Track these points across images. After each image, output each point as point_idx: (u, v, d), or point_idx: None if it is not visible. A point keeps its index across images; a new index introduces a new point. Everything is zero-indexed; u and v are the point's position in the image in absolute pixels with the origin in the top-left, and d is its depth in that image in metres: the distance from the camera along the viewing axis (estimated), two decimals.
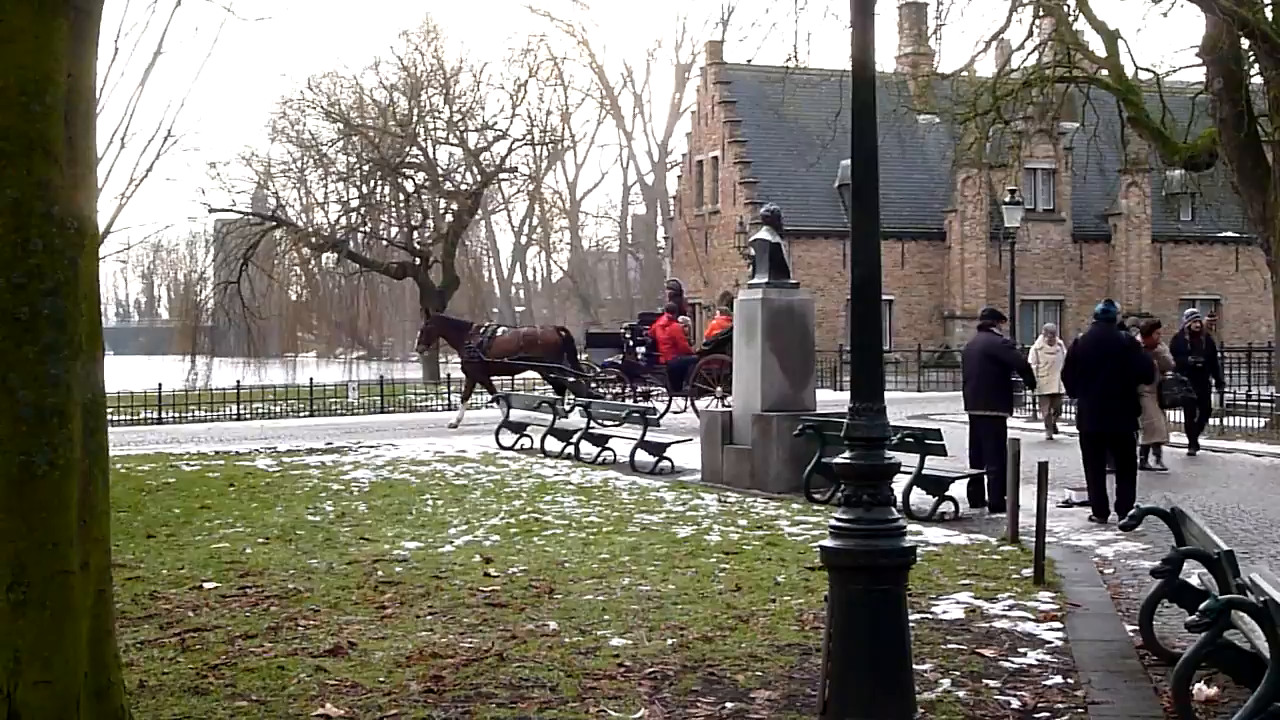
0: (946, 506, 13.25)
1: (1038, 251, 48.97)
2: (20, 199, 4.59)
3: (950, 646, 7.73)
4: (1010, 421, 14.85)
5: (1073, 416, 16.80)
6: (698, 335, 34.72)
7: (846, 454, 5.82)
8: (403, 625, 8.26)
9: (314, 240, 50.41)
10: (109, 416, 5.60)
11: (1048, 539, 10.06)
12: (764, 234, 16.55)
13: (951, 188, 48.05)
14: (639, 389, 26.54)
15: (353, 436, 24.21)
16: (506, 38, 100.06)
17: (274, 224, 48.63)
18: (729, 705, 6.54)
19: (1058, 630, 8.17)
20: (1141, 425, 16.38)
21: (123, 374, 36.57)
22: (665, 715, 6.38)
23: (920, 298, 49.16)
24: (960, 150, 34.96)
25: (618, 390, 27.15)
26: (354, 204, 52.52)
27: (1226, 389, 22.44)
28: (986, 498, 13.76)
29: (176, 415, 31.28)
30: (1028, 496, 10.81)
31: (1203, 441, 19.28)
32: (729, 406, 21.37)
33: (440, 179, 52.18)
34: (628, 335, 27.34)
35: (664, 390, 26.14)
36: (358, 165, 52.11)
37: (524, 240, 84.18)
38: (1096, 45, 25.78)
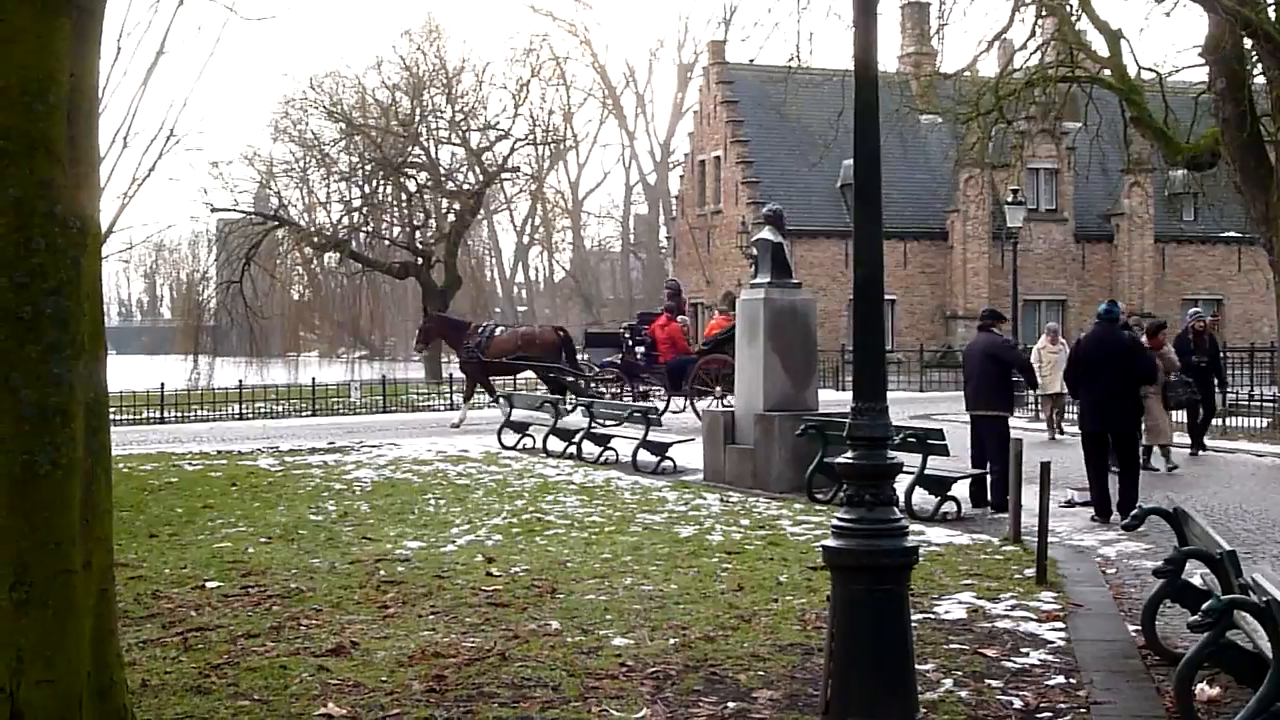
0: (949, 506, 13.25)
1: (1040, 251, 48.94)
2: (23, 198, 4.59)
3: (952, 646, 7.73)
4: (1012, 421, 14.86)
5: (1075, 417, 16.78)
6: (697, 335, 34.72)
7: (849, 454, 5.82)
8: (405, 625, 8.26)
9: (316, 240, 50.43)
10: (111, 416, 5.61)
11: (1050, 539, 10.06)
12: (766, 234, 16.56)
13: (954, 188, 48.03)
14: (638, 389, 26.55)
15: (355, 436, 24.21)
16: (509, 37, 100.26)
17: (276, 223, 48.65)
18: (731, 705, 6.54)
19: (1060, 630, 8.17)
20: (1146, 426, 16.38)
21: (125, 373, 36.64)
22: (667, 715, 6.38)
23: (922, 298, 49.15)
24: (963, 150, 34.93)
25: (616, 390, 27.15)
26: (356, 204, 52.55)
27: (1229, 389, 22.42)
28: (989, 497, 13.76)
29: (179, 415, 31.29)
30: (1030, 496, 10.81)
31: (1205, 441, 19.26)
32: (728, 406, 21.40)
33: (442, 179, 52.19)
34: (627, 335, 27.34)
35: (662, 390, 26.16)
36: (360, 165, 52.15)
37: (526, 240, 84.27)
38: (1099, 45, 25.77)
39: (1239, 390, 25.55)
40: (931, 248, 49.02)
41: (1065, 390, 17.31)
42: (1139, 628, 7.93)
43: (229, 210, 49.95)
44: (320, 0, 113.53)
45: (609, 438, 18.81)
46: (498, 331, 27.69)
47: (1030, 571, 9.80)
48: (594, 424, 19.15)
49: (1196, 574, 7.78)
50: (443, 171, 52.67)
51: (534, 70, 56.49)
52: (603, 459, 18.48)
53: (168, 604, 8.96)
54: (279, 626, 8.20)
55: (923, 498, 13.27)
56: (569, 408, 20.86)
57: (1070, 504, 13.79)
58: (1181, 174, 41.59)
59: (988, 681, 7.00)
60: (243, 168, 55.03)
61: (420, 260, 49.79)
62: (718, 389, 24.37)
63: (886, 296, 6.19)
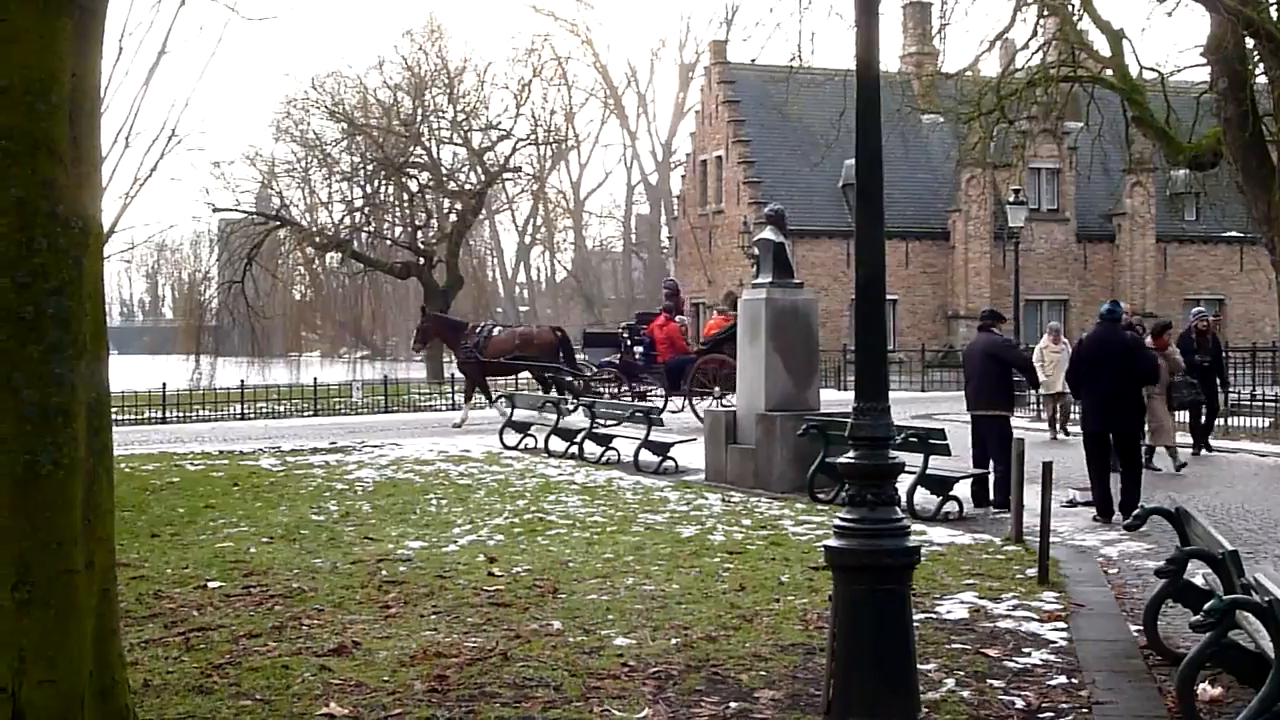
0: (951, 506, 13.24)
1: (1042, 251, 48.92)
2: (25, 198, 4.59)
3: (954, 646, 7.72)
4: (1014, 421, 14.87)
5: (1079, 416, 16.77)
6: (697, 335, 34.72)
7: (851, 454, 5.82)
8: (407, 625, 8.26)
9: (318, 240, 50.47)
10: (113, 416, 5.60)
11: (1052, 539, 10.06)
12: (768, 234, 16.56)
13: (955, 187, 48.02)
14: (636, 389, 26.57)
15: (356, 436, 24.22)
16: (511, 37, 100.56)
17: (278, 223, 48.67)
18: (733, 705, 6.54)
19: (1062, 630, 8.16)
20: (1150, 427, 16.38)
21: (127, 373, 36.66)
22: (669, 715, 6.38)
23: (924, 297, 49.14)
24: (964, 150, 34.89)
25: (615, 390, 27.16)
26: (358, 204, 52.59)
27: (1231, 389, 22.41)
28: (991, 497, 13.76)
29: (181, 415, 31.31)
30: (1032, 496, 10.81)
31: (1210, 442, 19.24)
32: (726, 406, 21.41)
33: (444, 179, 52.22)
34: (625, 335, 27.35)
35: (660, 389, 26.18)
36: (362, 165, 52.18)
37: (528, 240, 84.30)
38: (1101, 45, 25.76)
39: (1240, 390, 25.54)
40: (933, 247, 49.01)
41: (1067, 390, 17.32)
42: (1141, 628, 7.92)
43: (231, 210, 49.99)
44: (322, 0, 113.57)
45: (611, 438, 18.81)
46: (496, 331, 27.69)
47: (1032, 571, 9.79)
48: (596, 424, 19.15)
49: (1198, 574, 7.77)
50: (444, 171, 52.69)
51: (536, 70, 56.60)
52: (604, 459, 18.48)
53: (170, 604, 8.96)
54: (281, 626, 8.21)
55: (925, 497, 13.27)
56: (570, 408, 20.88)
57: (1072, 504, 13.78)
58: (1183, 174, 41.55)
59: (990, 681, 7.00)
60: (244, 168, 55.23)
61: (422, 260, 49.80)
62: (716, 389, 24.39)
63: (888, 296, 6.21)
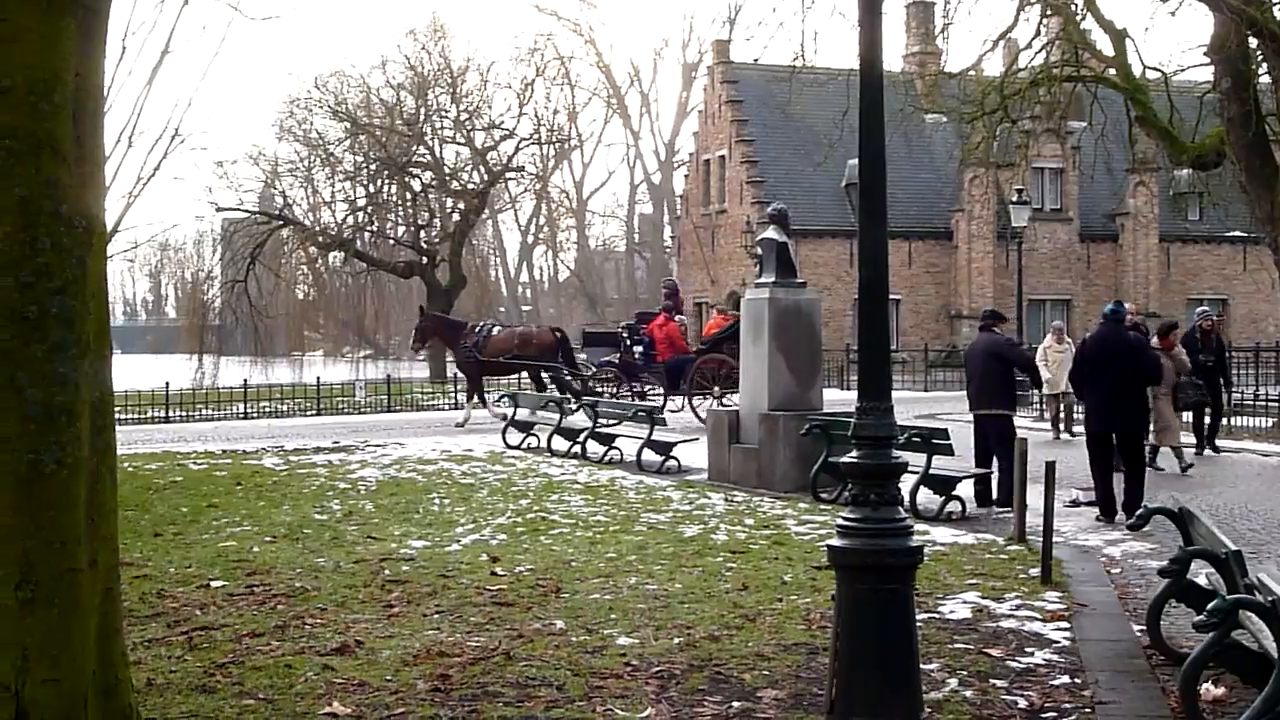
0: (953, 506, 13.24)
1: (1045, 251, 48.90)
2: (28, 197, 4.59)
3: (957, 646, 7.72)
4: (1017, 421, 14.87)
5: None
6: (699, 334, 34.72)
7: (854, 453, 5.82)
8: (410, 624, 8.27)
9: (321, 239, 50.46)
10: (116, 415, 5.61)
11: (1055, 539, 10.06)
12: (771, 233, 16.55)
13: (959, 187, 47.99)
14: (636, 388, 26.59)
15: (359, 435, 24.23)
16: (513, 37, 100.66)
17: (281, 223, 48.68)
18: (736, 704, 6.54)
19: (1065, 630, 8.16)
20: (1156, 427, 16.39)
21: (130, 373, 36.68)
22: (672, 714, 6.38)
23: (927, 297, 49.13)
24: (967, 150, 34.83)
25: (614, 390, 27.18)
26: (361, 203, 52.57)
27: (1234, 389, 22.40)
28: (994, 496, 13.77)
29: (184, 414, 31.32)
30: (1035, 496, 10.80)
31: (1217, 442, 19.22)
32: (725, 405, 21.42)
33: (447, 178, 52.22)
34: (625, 334, 27.36)
35: (659, 389, 26.20)
36: (365, 164, 52.17)
37: (531, 239, 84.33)
38: (1104, 44, 25.75)
39: (1244, 390, 25.53)
40: (936, 247, 49.00)
41: (1071, 390, 17.31)
42: (1144, 627, 7.92)
43: (234, 210, 49.99)
44: (325, 0, 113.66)
45: (614, 437, 18.81)
46: (495, 331, 27.70)
47: (1035, 571, 9.79)
48: (599, 423, 19.15)
49: (1202, 574, 7.77)
50: (447, 171, 52.69)
51: (539, 70, 56.59)
52: (607, 458, 18.49)
53: (173, 603, 8.97)
54: (284, 625, 8.21)
55: (927, 497, 13.26)
56: (572, 407, 20.89)
57: (1075, 504, 13.78)
58: (1186, 173, 41.48)
59: (992, 681, 6.99)
60: (248, 167, 55.13)
61: (425, 260, 49.81)
62: (716, 389, 24.41)
63: (891, 296, 6.21)
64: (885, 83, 5.98)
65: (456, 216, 51.75)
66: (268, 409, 32.79)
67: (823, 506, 13.56)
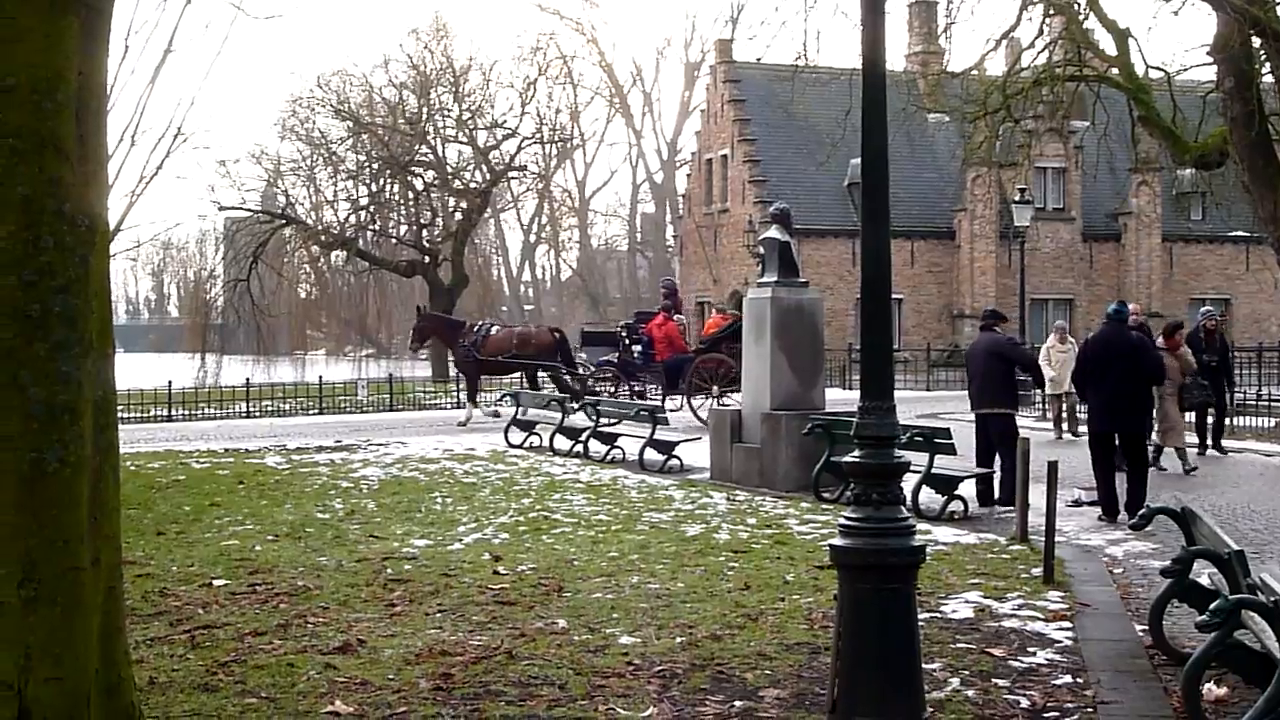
0: (956, 505, 13.24)
1: (1047, 250, 48.89)
2: (31, 196, 4.60)
3: (959, 646, 7.72)
4: (1020, 421, 14.88)
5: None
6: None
7: (856, 453, 5.82)
8: (412, 623, 8.27)
9: (323, 238, 50.45)
10: (119, 414, 5.61)
11: (1057, 538, 10.05)
12: (773, 232, 16.55)
13: (961, 186, 47.98)
14: (634, 387, 26.61)
15: (362, 434, 24.23)
16: (516, 36, 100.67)
17: (283, 222, 48.68)
18: (738, 704, 6.54)
19: (1067, 630, 8.16)
20: (1162, 428, 16.38)
21: (133, 371, 36.63)
22: (674, 713, 6.38)
23: (929, 296, 49.11)
24: (970, 149, 34.88)
25: (613, 389, 27.20)
26: (363, 202, 52.56)
27: (1237, 388, 22.39)
28: (996, 496, 13.77)
29: (186, 413, 31.33)
30: (1037, 495, 10.80)
31: (1223, 443, 19.20)
32: (724, 405, 21.44)
33: (449, 177, 52.21)
34: (623, 334, 27.38)
35: (658, 388, 26.22)
36: (367, 163, 52.15)
37: (533, 238, 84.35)
38: (1107, 44, 25.71)
39: (1246, 390, 25.52)
40: (939, 247, 48.98)
41: (1074, 390, 17.29)
42: (1146, 627, 7.92)
43: (236, 208, 49.98)
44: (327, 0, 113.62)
45: (616, 436, 18.81)
46: (494, 330, 27.71)
47: (1037, 571, 9.78)
48: (601, 423, 19.16)
49: (1204, 574, 7.77)
50: (450, 170, 52.69)
51: (541, 69, 56.63)
52: (609, 457, 18.49)
53: (175, 602, 8.98)
54: (286, 624, 8.21)
55: (930, 497, 13.26)
56: (573, 407, 20.91)
57: (1078, 503, 13.78)
58: (1189, 173, 41.47)
59: (995, 681, 6.99)
60: (250, 166, 55.05)
61: (427, 259, 49.81)
62: (715, 388, 24.44)
63: (894, 295, 6.20)
64: (888, 82, 5.99)
65: (459, 215, 51.73)
66: (270, 408, 32.80)
67: (825, 506, 13.56)
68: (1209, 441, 19.08)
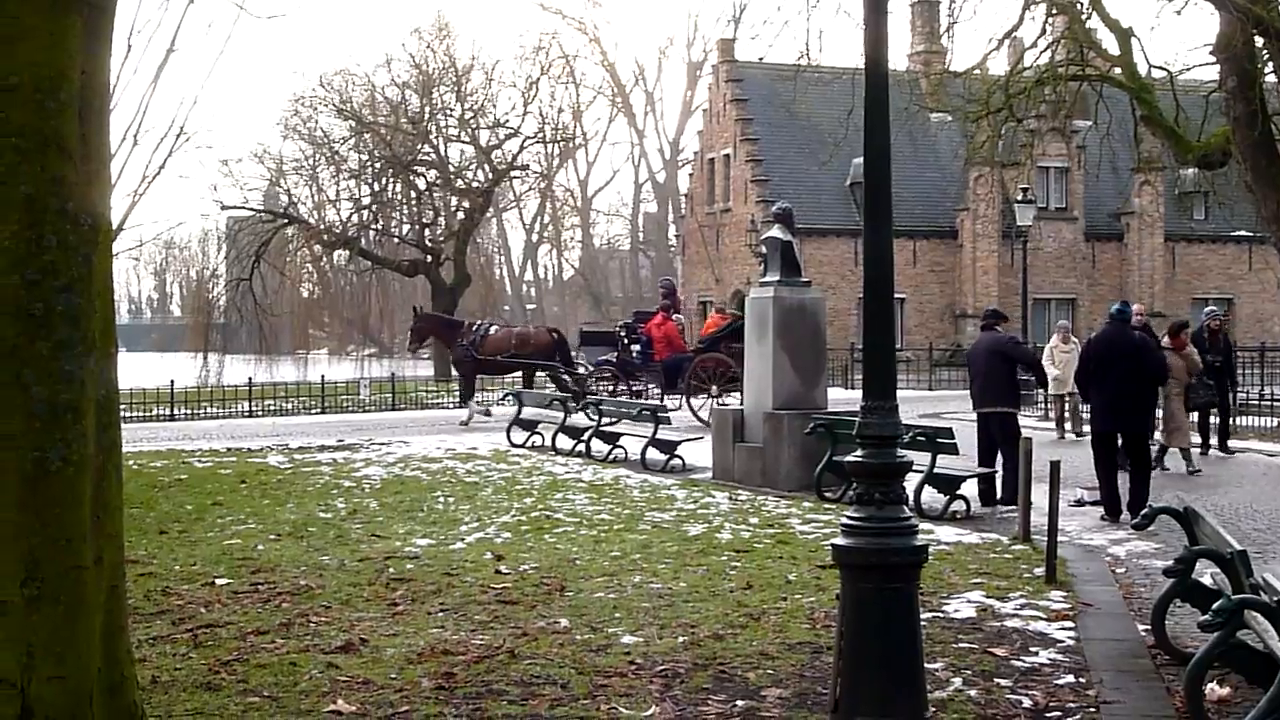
0: (958, 505, 13.23)
1: (1050, 250, 48.86)
2: (34, 195, 4.60)
3: (962, 645, 7.72)
4: (1022, 420, 14.88)
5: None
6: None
7: (859, 452, 5.82)
8: (414, 622, 8.27)
9: (326, 237, 50.46)
10: (122, 413, 5.61)
11: (1059, 538, 10.05)
12: (776, 232, 16.55)
13: (964, 186, 47.96)
14: (633, 387, 26.64)
15: (364, 433, 24.24)
16: (518, 35, 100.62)
17: (286, 221, 48.71)
18: (740, 703, 6.54)
19: (1069, 629, 8.16)
20: (1167, 428, 16.37)
21: (135, 371, 36.67)
22: (676, 713, 6.38)
23: (932, 296, 49.09)
24: (972, 148, 34.82)
25: (611, 389, 27.22)
26: (366, 201, 52.58)
27: (1240, 388, 22.37)
28: (999, 495, 13.77)
29: (189, 412, 31.34)
30: (1040, 495, 10.80)
31: (1214, 440, 19.19)
32: (723, 405, 21.45)
33: (452, 176, 52.21)
34: (622, 333, 27.41)
35: (656, 388, 26.25)
36: (369, 163, 52.17)
37: (535, 238, 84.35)
38: (1110, 43, 25.68)
39: (1249, 390, 25.50)
40: (941, 246, 48.96)
41: (1077, 389, 17.28)
42: (1149, 627, 7.91)
43: (239, 208, 50.04)
44: None
45: (618, 436, 18.81)
46: (492, 330, 27.73)
47: (1040, 571, 9.78)
48: (603, 422, 19.16)
49: (1207, 573, 7.77)
50: (452, 169, 52.69)
51: (543, 68, 56.59)
52: (611, 457, 18.49)
53: (178, 601, 8.98)
54: (288, 623, 8.22)
55: (932, 496, 13.26)
56: (573, 406, 20.92)
57: (1080, 503, 13.77)
58: (1192, 173, 41.47)
59: (997, 680, 6.99)
60: (253, 165, 55.24)
61: (429, 258, 49.82)
62: (714, 388, 24.46)
63: (896, 295, 6.20)
64: (890, 81, 5.99)
65: (461, 215, 51.73)
66: (272, 407, 32.80)
67: (827, 505, 13.56)
68: (1211, 441, 19.06)
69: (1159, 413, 15.56)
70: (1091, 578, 9.88)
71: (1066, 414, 21.93)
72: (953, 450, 13.24)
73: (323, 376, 37.44)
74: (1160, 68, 25.49)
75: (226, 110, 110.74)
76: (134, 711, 5.08)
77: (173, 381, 32.45)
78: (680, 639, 7.79)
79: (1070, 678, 7.07)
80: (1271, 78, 22.73)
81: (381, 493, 14.98)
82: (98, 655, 4.80)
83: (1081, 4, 25.17)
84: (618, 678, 6.94)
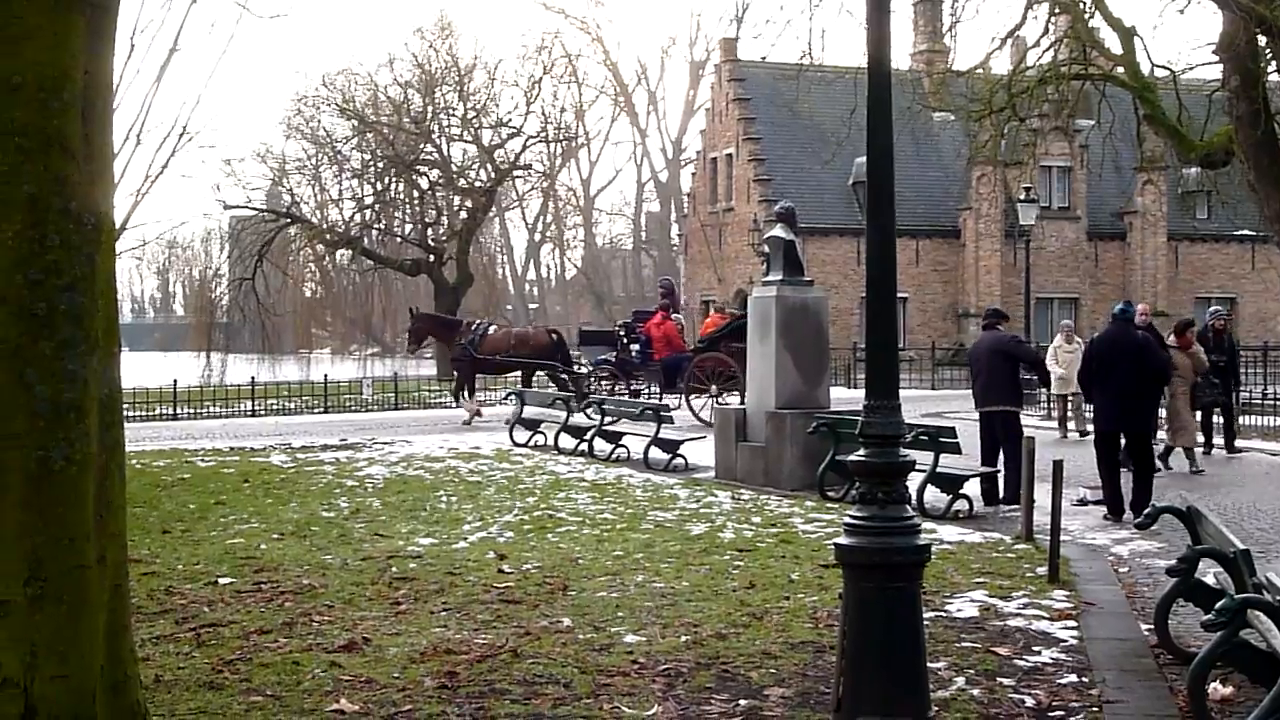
0: (961, 504, 13.23)
1: (1053, 249, 48.85)
2: (38, 195, 4.60)
3: (964, 645, 7.72)
4: (1025, 420, 14.87)
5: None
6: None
7: (861, 451, 5.81)
8: (417, 621, 8.28)
9: (328, 237, 50.51)
10: (125, 412, 5.61)
11: (1062, 537, 10.04)
12: (778, 231, 16.54)
13: (966, 185, 47.93)
14: (632, 386, 26.65)
15: (367, 433, 24.25)
16: (521, 35, 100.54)
17: (289, 220, 48.74)
18: (743, 702, 6.54)
19: (1072, 629, 8.15)
20: (1172, 427, 16.35)
21: (138, 370, 36.70)
22: (679, 712, 6.38)
23: (935, 295, 49.08)
24: (975, 148, 34.81)
25: (610, 387, 27.23)
26: (368, 201, 52.61)
27: (1242, 388, 22.36)
28: (1001, 495, 13.76)
29: (192, 411, 31.35)
30: (1042, 494, 10.79)
31: (1217, 440, 19.17)
32: (723, 404, 21.45)
33: (454, 176, 52.23)
34: (621, 333, 27.43)
35: (655, 387, 26.26)
36: (372, 162, 52.20)
37: (538, 237, 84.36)
38: (1112, 42, 25.65)
39: (1252, 389, 25.49)
40: (944, 245, 48.95)
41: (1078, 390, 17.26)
42: (1152, 627, 7.91)
43: (242, 207, 50.08)
44: None
45: (620, 435, 18.82)
46: (491, 330, 27.74)
47: (1042, 570, 9.78)
48: (605, 421, 19.16)
49: (1210, 573, 7.76)
50: (455, 169, 52.71)
51: (546, 68, 56.55)
52: (614, 456, 18.49)
53: (180, 600, 8.99)
54: (291, 622, 8.22)
55: (935, 495, 13.25)
56: (576, 405, 20.92)
57: (1083, 502, 13.77)
58: (1195, 172, 41.46)
59: (1000, 680, 6.99)
60: (255, 165, 55.16)
61: (432, 257, 49.84)
62: (713, 387, 24.46)
63: (899, 294, 6.18)
64: (893, 81, 5.98)
65: (464, 214, 51.76)
66: (275, 406, 32.82)
67: (830, 505, 13.55)
68: (1215, 441, 19.04)
69: (1162, 412, 15.55)
70: (1094, 577, 9.88)
71: (1069, 413, 21.92)
72: (955, 449, 13.23)
73: (325, 376, 37.45)
74: (1163, 67, 25.48)
75: (229, 110, 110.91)
76: (137, 710, 5.09)
77: (175, 381, 32.47)
78: (683, 638, 7.79)
79: (1073, 677, 7.07)
80: (1275, 77, 22.74)
81: (384, 492, 14.98)
82: (101, 654, 4.80)
83: (1084, 3, 25.14)
84: (620, 677, 6.94)
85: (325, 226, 51.33)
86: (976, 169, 46.18)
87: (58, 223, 4.64)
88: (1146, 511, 8.51)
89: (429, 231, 51.11)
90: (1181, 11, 34.22)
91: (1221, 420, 19.16)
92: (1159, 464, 15.61)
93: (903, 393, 6.30)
